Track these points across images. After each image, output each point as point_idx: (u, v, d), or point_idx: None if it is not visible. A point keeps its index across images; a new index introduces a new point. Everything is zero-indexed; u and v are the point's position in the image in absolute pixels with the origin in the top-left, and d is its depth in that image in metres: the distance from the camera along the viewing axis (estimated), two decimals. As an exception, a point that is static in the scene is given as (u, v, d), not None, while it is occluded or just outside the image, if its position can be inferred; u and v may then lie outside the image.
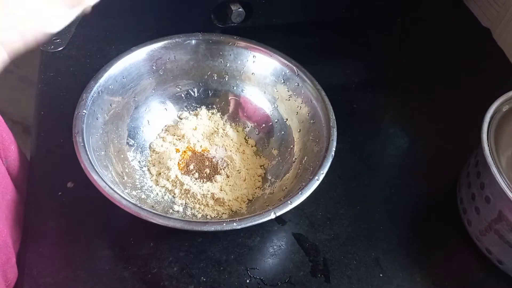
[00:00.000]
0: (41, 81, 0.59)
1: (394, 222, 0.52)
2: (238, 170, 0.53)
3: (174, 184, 0.50)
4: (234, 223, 0.40)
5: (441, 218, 0.54)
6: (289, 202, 0.42)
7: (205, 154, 0.54)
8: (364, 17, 0.75)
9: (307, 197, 0.43)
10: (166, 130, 0.56)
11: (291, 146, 0.54)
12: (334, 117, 0.50)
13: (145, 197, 0.49)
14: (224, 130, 0.56)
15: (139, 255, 0.46)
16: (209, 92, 0.58)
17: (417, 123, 0.64)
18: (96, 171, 0.42)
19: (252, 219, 0.41)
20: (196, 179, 0.51)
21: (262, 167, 0.54)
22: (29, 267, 0.44)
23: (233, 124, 0.58)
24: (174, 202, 0.50)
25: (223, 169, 0.53)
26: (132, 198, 0.45)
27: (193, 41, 0.55)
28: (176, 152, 0.53)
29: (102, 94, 0.49)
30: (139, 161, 0.52)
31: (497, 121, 0.48)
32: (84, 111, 0.46)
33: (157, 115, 0.56)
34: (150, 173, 0.52)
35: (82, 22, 0.64)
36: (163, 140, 0.55)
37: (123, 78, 0.52)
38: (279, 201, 0.44)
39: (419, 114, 0.65)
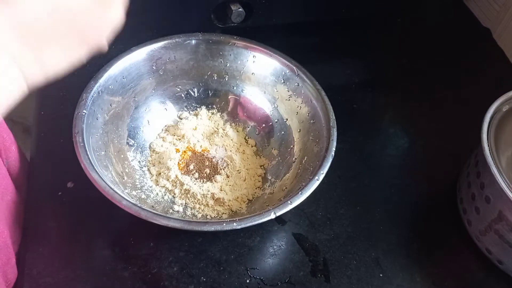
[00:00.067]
0: (41, 81, 0.59)
1: (394, 222, 0.52)
2: (238, 170, 0.53)
3: (174, 184, 0.50)
4: (234, 223, 0.40)
5: (441, 218, 0.54)
6: (289, 202, 0.42)
7: (205, 154, 0.54)
8: (364, 17, 0.75)
9: (307, 197, 0.43)
10: (166, 130, 0.56)
11: (291, 146, 0.54)
12: (334, 117, 0.50)
13: (145, 197, 0.49)
14: (224, 130, 0.56)
15: (139, 255, 0.46)
16: (209, 92, 0.58)
17: (417, 123, 0.64)
18: (96, 171, 0.42)
19: (252, 219, 0.41)
20: (196, 179, 0.52)
21: (262, 167, 0.54)
22: (29, 267, 0.44)
23: (233, 124, 0.58)
24: (174, 202, 0.50)
25: (223, 169, 0.53)
26: (132, 198, 0.45)
27: (193, 41, 0.55)
28: (176, 152, 0.53)
29: (102, 94, 0.49)
30: (139, 161, 0.52)
31: (497, 121, 0.48)
32: (84, 111, 0.46)
33: (157, 115, 0.56)
34: (150, 173, 0.52)
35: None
36: (163, 140, 0.55)
37: (123, 78, 0.52)
38: (279, 201, 0.44)
39: (419, 114, 0.65)
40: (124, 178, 0.48)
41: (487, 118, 0.48)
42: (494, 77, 0.71)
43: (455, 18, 0.80)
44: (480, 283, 0.49)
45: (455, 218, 0.52)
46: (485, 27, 0.78)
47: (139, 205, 0.41)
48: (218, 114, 0.58)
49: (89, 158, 0.43)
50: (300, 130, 0.54)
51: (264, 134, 0.57)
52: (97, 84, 0.49)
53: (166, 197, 0.50)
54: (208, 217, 0.49)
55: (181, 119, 0.57)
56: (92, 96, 0.48)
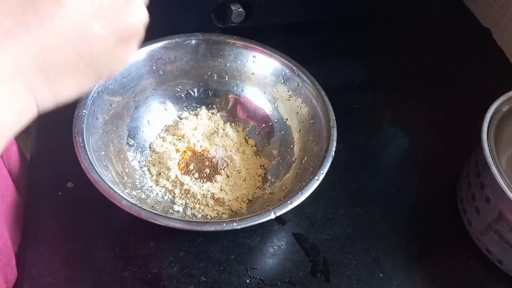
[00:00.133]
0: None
1: (394, 222, 0.52)
2: (238, 170, 0.53)
3: (174, 184, 0.50)
4: (234, 223, 0.40)
5: (441, 218, 0.54)
6: (289, 202, 0.42)
7: (205, 154, 0.54)
8: (364, 17, 0.75)
9: (307, 197, 0.43)
10: (166, 130, 0.56)
11: (291, 146, 0.54)
12: (334, 117, 0.50)
13: (145, 197, 0.49)
14: (224, 130, 0.56)
15: (139, 255, 0.46)
16: (209, 92, 0.58)
17: (417, 123, 0.64)
18: (96, 171, 0.42)
19: (252, 219, 0.41)
20: (196, 179, 0.51)
21: (262, 167, 0.54)
22: (29, 267, 0.44)
23: (233, 124, 0.58)
24: (174, 202, 0.50)
25: (223, 169, 0.53)
26: (132, 198, 0.45)
27: (193, 41, 0.55)
28: (176, 152, 0.53)
29: (102, 94, 0.49)
30: (139, 161, 0.52)
31: (497, 121, 0.48)
32: (84, 111, 0.46)
33: (157, 115, 0.56)
34: (150, 173, 0.52)
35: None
36: (163, 140, 0.55)
37: (123, 78, 0.52)
38: (279, 201, 0.44)
39: (419, 114, 0.65)
40: (124, 178, 0.48)
41: (487, 118, 0.48)
42: (494, 77, 0.71)
43: (455, 18, 0.80)
44: (480, 283, 0.49)
45: (455, 218, 0.52)
46: (485, 27, 0.78)
47: (139, 205, 0.41)
48: (218, 114, 0.58)
49: (89, 158, 0.43)
50: (300, 130, 0.54)
51: (264, 134, 0.57)
52: (97, 84, 0.49)
53: (166, 197, 0.50)
54: (208, 217, 0.49)
55: (181, 119, 0.57)
56: (92, 96, 0.48)
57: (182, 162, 0.53)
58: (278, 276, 0.46)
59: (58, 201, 0.49)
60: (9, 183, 0.45)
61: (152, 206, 0.48)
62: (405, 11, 0.77)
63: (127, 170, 0.50)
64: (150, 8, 0.28)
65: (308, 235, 0.50)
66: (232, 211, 0.50)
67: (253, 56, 0.56)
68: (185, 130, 0.55)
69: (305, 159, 0.50)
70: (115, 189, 0.41)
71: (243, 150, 0.55)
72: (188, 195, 0.50)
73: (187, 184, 0.50)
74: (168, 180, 0.51)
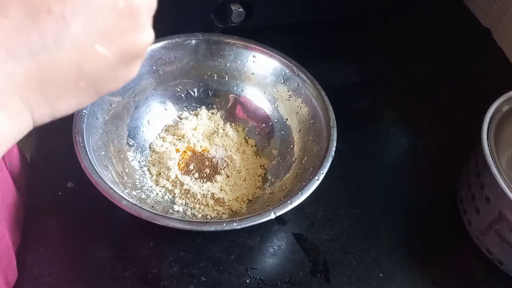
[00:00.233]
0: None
1: (394, 222, 0.52)
2: (238, 170, 0.53)
3: (174, 184, 0.50)
4: (234, 223, 0.40)
5: (441, 218, 0.54)
6: (289, 202, 0.42)
7: (205, 154, 0.54)
8: (364, 17, 0.75)
9: (307, 197, 0.43)
10: (166, 130, 0.56)
11: (291, 146, 0.54)
12: (334, 117, 0.50)
13: (145, 197, 0.49)
14: (224, 130, 0.56)
15: (139, 255, 0.46)
16: (209, 92, 0.58)
17: (417, 123, 0.64)
18: (96, 171, 0.42)
19: (252, 219, 0.41)
20: (196, 179, 0.51)
21: (262, 167, 0.54)
22: (29, 267, 0.44)
23: (233, 124, 0.58)
24: (174, 202, 0.50)
25: (223, 169, 0.53)
26: (132, 198, 0.45)
27: (193, 41, 0.55)
28: (176, 152, 0.53)
29: (102, 94, 0.49)
30: (139, 161, 0.52)
31: (497, 121, 0.48)
32: (84, 111, 0.46)
33: (157, 115, 0.56)
34: (150, 173, 0.52)
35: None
36: (163, 140, 0.55)
37: (123, 78, 0.52)
38: (279, 201, 0.44)
39: (419, 114, 0.65)
40: (124, 178, 0.48)
41: (487, 118, 0.48)
42: (494, 77, 0.71)
43: (455, 18, 0.80)
44: (480, 283, 0.49)
45: (455, 218, 0.52)
46: (485, 27, 0.78)
47: (139, 205, 0.41)
48: (218, 114, 0.58)
49: (89, 158, 0.43)
50: (300, 130, 0.54)
51: (264, 134, 0.57)
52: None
53: (166, 197, 0.50)
54: (208, 217, 0.49)
55: (181, 119, 0.57)
56: (92, 96, 0.48)
57: (182, 162, 0.53)
58: (278, 276, 0.46)
59: (58, 201, 0.49)
60: (10, 184, 0.45)
61: (152, 206, 0.48)
62: (405, 11, 0.77)
63: (127, 170, 0.50)
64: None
65: (308, 235, 0.50)
66: (232, 211, 0.50)
67: (253, 56, 0.56)
68: (185, 130, 0.55)
69: (305, 159, 0.50)
70: (115, 189, 0.41)
71: (243, 150, 0.55)
72: (188, 195, 0.50)
73: (187, 184, 0.50)
74: (168, 180, 0.51)
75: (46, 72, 0.23)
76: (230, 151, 0.54)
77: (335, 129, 0.49)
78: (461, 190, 0.52)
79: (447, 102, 0.67)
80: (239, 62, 0.56)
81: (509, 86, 0.52)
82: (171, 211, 0.49)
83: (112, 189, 0.41)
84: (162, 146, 0.54)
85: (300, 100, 0.54)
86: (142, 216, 0.40)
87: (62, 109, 0.25)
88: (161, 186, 0.51)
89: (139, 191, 0.49)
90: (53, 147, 0.53)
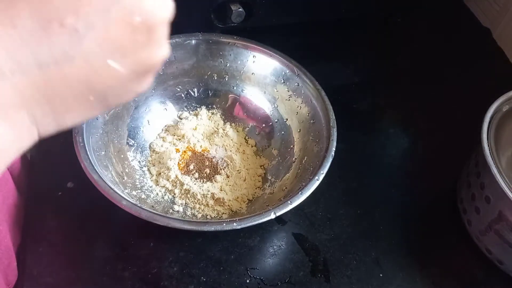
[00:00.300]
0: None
1: (394, 222, 0.52)
2: (238, 170, 0.53)
3: (174, 184, 0.50)
4: (234, 223, 0.40)
5: (441, 218, 0.54)
6: (289, 202, 0.42)
7: (205, 154, 0.54)
8: (364, 17, 0.75)
9: (307, 197, 0.43)
10: (166, 130, 0.56)
11: (291, 146, 0.54)
12: (334, 117, 0.50)
13: (145, 197, 0.49)
14: (224, 130, 0.56)
15: (139, 255, 0.46)
16: (209, 92, 0.58)
17: (417, 123, 0.64)
18: (96, 171, 0.42)
19: (252, 219, 0.41)
20: (196, 179, 0.51)
21: (262, 167, 0.54)
22: (29, 267, 0.44)
23: (233, 124, 0.58)
24: (174, 202, 0.50)
25: (223, 169, 0.53)
26: (132, 198, 0.45)
27: (193, 41, 0.55)
28: (176, 152, 0.53)
29: (102, 94, 0.49)
30: (139, 161, 0.52)
31: (497, 121, 0.48)
32: (84, 111, 0.46)
33: (157, 115, 0.56)
34: (150, 173, 0.52)
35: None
36: (163, 140, 0.55)
37: (123, 78, 0.52)
38: (279, 201, 0.44)
39: (419, 114, 0.65)
40: (124, 178, 0.48)
41: (487, 118, 0.48)
42: (494, 77, 0.71)
43: (455, 18, 0.80)
44: (480, 283, 0.49)
45: (455, 218, 0.52)
46: (485, 27, 0.78)
47: (139, 205, 0.41)
48: (218, 114, 0.58)
49: (89, 158, 0.43)
50: (300, 130, 0.54)
51: (264, 134, 0.57)
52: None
53: (166, 197, 0.50)
54: (208, 217, 0.49)
55: (181, 119, 0.57)
56: (92, 96, 0.48)
57: (182, 162, 0.53)
58: (278, 276, 0.46)
59: (58, 201, 0.49)
60: (11, 184, 0.45)
61: (152, 206, 0.48)
62: (405, 11, 0.77)
63: (127, 170, 0.50)
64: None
65: (308, 235, 0.50)
66: (232, 211, 0.50)
67: (253, 56, 0.56)
68: (185, 130, 0.55)
69: (305, 159, 0.50)
70: (115, 189, 0.41)
71: (243, 150, 0.55)
72: (188, 195, 0.50)
73: (187, 184, 0.50)
74: (168, 180, 0.51)
75: (54, 86, 0.22)
76: (230, 151, 0.54)
77: (335, 129, 0.49)
78: (461, 190, 0.52)
79: (447, 102, 0.67)
80: (239, 62, 0.56)
81: (509, 86, 0.52)
82: (171, 211, 0.49)
83: (112, 189, 0.41)
84: (162, 146, 0.54)
85: (300, 100, 0.54)
86: (142, 216, 0.40)
87: (69, 121, 0.24)
88: (161, 186, 0.51)
89: (139, 191, 0.49)
90: (53, 147, 0.53)
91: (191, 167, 0.52)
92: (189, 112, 0.58)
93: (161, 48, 0.25)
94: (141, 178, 0.51)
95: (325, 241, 0.50)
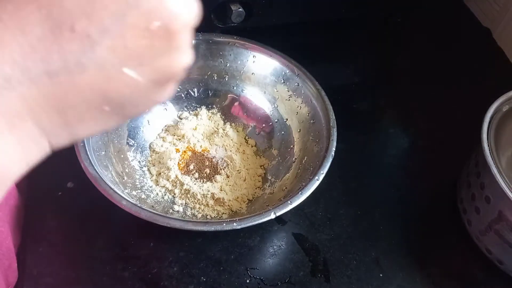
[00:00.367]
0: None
1: (394, 222, 0.52)
2: (238, 170, 0.53)
3: (174, 184, 0.50)
4: (234, 223, 0.40)
5: (441, 218, 0.54)
6: (289, 202, 0.42)
7: (205, 154, 0.54)
8: (364, 17, 0.75)
9: (307, 197, 0.43)
10: (166, 130, 0.56)
11: (291, 146, 0.54)
12: (334, 117, 0.50)
13: (145, 197, 0.49)
14: (224, 130, 0.56)
15: (139, 255, 0.46)
16: (209, 92, 0.58)
17: (417, 123, 0.64)
18: (96, 171, 0.42)
19: (252, 219, 0.41)
20: (196, 179, 0.51)
21: (262, 167, 0.54)
22: (29, 267, 0.44)
23: (233, 124, 0.58)
24: (174, 202, 0.50)
25: (223, 169, 0.53)
26: (132, 198, 0.45)
27: (193, 41, 0.55)
28: (176, 152, 0.53)
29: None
30: (139, 161, 0.52)
31: (497, 121, 0.48)
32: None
33: (157, 115, 0.56)
34: (150, 173, 0.52)
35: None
36: (163, 140, 0.55)
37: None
38: (279, 201, 0.44)
39: (419, 114, 0.65)
40: (124, 178, 0.48)
41: (487, 118, 0.48)
42: (494, 77, 0.71)
43: (455, 18, 0.80)
44: (480, 283, 0.49)
45: (455, 218, 0.52)
46: (485, 27, 0.78)
47: (139, 205, 0.41)
48: (218, 114, 0.58)
49: (89, 158, 0.43)
50: (300, 130, 0.54)
51: (264, 134, 0.57)
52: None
53: (166, 197, 0.50)
54: (208, 217, 0.49)
55: (181, 119, 0.57)
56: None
57: (182, 162, 0.53)
58: (278, 276, 0.46)
59: (58, 201, 0.49)
60: (12, 186, 0.45)
61: (152, 206, 0.48)
62: (405, 11, 0.77)
63: (127, 170, 0.50)
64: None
65: (308, 235, 0.50)
66: (232, 211, 0.50)
67: (253, 56, 0.56)
68: (185, 130, 0.55)
69: (305, 159, 0.50)
70: (115, 189, 0.41)
71: (243, 150, 0.55)
72: (188, 195, 0.50)
73: (187, 184, 0.50)
74: (168, 180, 0.51)
75: (65, 96, 0.20)
76: (230, 151, 0.54)
77: (335, 129, 0.49)
78: (461, 190, 0.52)
79: (447, 102, 0.67)
80: (239, 62, 0.56)
81: (509, 86, 0.52)
82: (171, 211, 0.49)
83: (112, 189, 0.41)
84: (162, 146, 0.54)
85: (300, 100, 0.54)
86: (142, 216, 0.40)
87: (83, 132, 0.23)
88: (161, 186, 0.51)
89: (139, 191, 0.49)
90: (53, 147, 0.53)
91: (191, 167, 0.52)
92: (189, 112, 0.58)
93: (182, 55, 0.23)
94: (141, 178, 0.51)
95: (325, 241, 0.50)
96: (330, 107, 0.51)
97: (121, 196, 0.41)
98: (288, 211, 0.42)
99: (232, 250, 0.48)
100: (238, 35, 0.56)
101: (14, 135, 0.20)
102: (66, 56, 0.19)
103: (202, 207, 0.49)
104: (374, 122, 0.64)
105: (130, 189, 0.47)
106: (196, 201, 0.49)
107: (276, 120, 0.56)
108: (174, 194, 0.50)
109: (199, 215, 0.49)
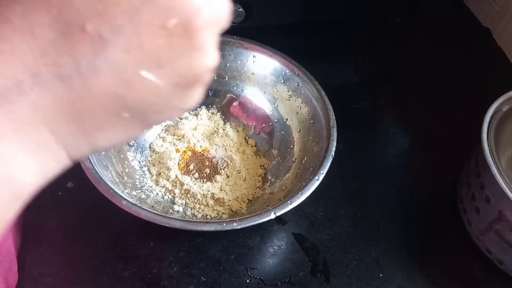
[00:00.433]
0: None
1: (394, 222, 0.52)
2: (238, 170, 0.53)
3: (174, 184, 0.50)
4: (234, 223, 0.40)
5: (441, 218, 0.54)
6: (289, 202, 0.42)
7: (205, 154, 0.54)
8: (364, 17, 0.75)
9: (307, 197, 0.43)
10: (166, 130, 0.56)
11: (291, 146, 0.54)
12: (334, 117, 0.50)
13: (145, 197, 0.49)
14: (224, 130, 0.56)
15: (139, 255, 0.46)
16: (209, 92, 0.58)
17: (417, 123, 0.64)
18: (96, 171, 0.42)
19: (252, 219, 0.41)
20: (196, 179, 0.51)
21: (262, 167, 0.54)
22: (29, 267, 0.44)
23: (233, 124, 0.58)
24: (174, 202, 0.50)
25: (223, 169, 0.53)
26: (132, 198, 0.45)
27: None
28: (176, 152, 0.53)
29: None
30: (139, 161, 0.52)
31: (497, 121, 0.48)
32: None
33: (157, 115, 0.56)
34: (150, 173, 0.52)
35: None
36: (163, 140, 0.55)
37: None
38: (279, 201, 0.44)
39: (419, 114, 0.65)
40: (124, 178, 0.48)
41: (487, 118, 0.48)
42: (494, 77, 0.71)
43: (455, 18, 0.80)
44: (480, 283, 0.49)
45: (455, 218, 0.52)
46: (485, 27, 0.78)
47: (139, 205, 0.41)
48: (218, 114, 0.58)
49: (89, 158, 0.43)
50: (300, 130, 0.54)
51: (264, 134, 0.57)
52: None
53: (166, 197, 0.50)
54: (208, 217, 0.49)
55: (181, 119, 0.57)
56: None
57: (182, 162, 0.53)
58: (278, 276, 0.46)
59: (58, 201, 0.49)
60: None
61: (152, 206, 0.48)
62: (405, 11, 0.77)
63: (127, 170, 0.50)
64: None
65: (308, 235, 0.50)
66: (232, 211, 0.50)
67: (253, 56, 0.56)
68: (185, 130, 0.55)
69: (305, 159, 0.50)
70: (115, 189, 0.41)
71: (243, 150, 0.55)
72: (188, 195, 0.50)
73: (187, 184, 0.50)
74: (168, 180, 0.51)
75: (80, 101, 0.19)
76: (230, 151, 0.54)
77: (335, 129, 0.49)
78: (461, 190, 0.52)
79: (447, 102, 0.67)
80: (239, 62, 0.56)
81: (509, 86, 0.52)
82: (171, 211, 0.49)
83: (112, 189, 0.41)
84: (162, 146, 0.54)
85: (300, 100, 0.54)
86: (142, 216, 0.40)
87: (103, 142, 0.21)
88: (161, 186, 0.51)
89: (139, 191, 0.49)
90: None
91: (191, 167, 0.52)
92: (189, 112, 0.58)
93: (205, 56, 0.21)
94: (141, 178, 0.51)
95: (325, 241, 0.50)
96: (330, 107, 0.51)
97: (121, 196, 0.41)
98: (288, 211, 0.42)
99: (232, 250, 0.48)
100: (238, 35, 0.56)
101: (28, 144, 0.19)
102: (78, 58, 0.18)
103: (202, 207, 0.49)
104: (374, 122, 0.64)
105: (130, 189, 0.47)
106: (196, 201, 0.49)
107: (276, 120, 0.56)
108: (174, 194, 0.50)
109: (199, 215, 0.49)
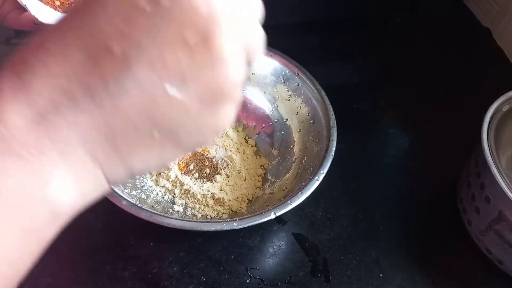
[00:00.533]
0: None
1: (394, 222, 0.52)
2: (238, 170, 0.53)
3: (174, 184, 0.50)
4: (234, 223, 0.40)
5: (441, 218, 0.54)
6: (289, 202, 0.42)
7: (205, 154, 0.54)
8: (364, 17, 0.75)
9: (307, 197, 0.43)
10: (166, 130, 0.56)
11: (291, 146, 0.54)
12: (334, 117, 0.50)
13: (145, 197, 0.49)
14: (224, 130, 0.56)
15: (139, 255, 0.46)
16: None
17: (417, 123, 0.64)
18: (96, 171, 0.42)
19: (252, 219, 0.41)
20: (196, 179, 0.52)
21: (262, 167, 0.54)
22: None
23: (233, 124, 0.58)
24: (174, 202, 0.50)
25: (223, 169, 0.53)
26: (132, 198, 0.45)
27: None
28: (176, 152, 0.53)
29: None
30: (139, 161, 0.52)
31: (497, 121, 0.48)
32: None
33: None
34: (150, 173, 0.52)
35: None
36: (163, 140, 0.55)
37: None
38: (279, 201, 0.44)
39: (419, 114, 0.65)
40: (124, 178, 0.48)
41: (487, 118, 0.48)
42: (494, 77, 0.71)
43: (455, 18, 0.80)
44: (480, 283, 0.49)
45: (455, 218, 0.52)
46: (485, 27, 0.78)
47: (139, 205, 0.41)
48: (218, 114, 0.58)
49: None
50: (300, 130, 0.54)
51: (264, 134, 0.57)
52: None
53: (166, 197, 0.50)
54: (208, 217, 0.49)
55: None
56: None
57: (182, 162, 0.53)
58: (278, 276, 0.46)
59: (58, 201, 0.49)
60: None
61: (152, 206, 0.48)
62: (405, 11, 0.77)
63: (127, 170, 0.50)
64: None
65: (308, 235, 0.50)
66: (232, 211, 0.50)
67: (253, 56, 0.56)
68: (185, 130, 0.55)
69: (305, 159, 0.50)
70: (115, 189, 0.41)
71: (243, 150, 0.55)
72: (188, 195, 0.50)
73: (187, 184, 0.50)
74: (168, 180, 0.51)
75: (112, 121, 0.19)
76: (230, 151, 0.54)
77: (335, 129, 0.49)
78: (461, 190, 0.52)
79: (447, 102, 0.67)
80: (239, 62, 0.56)
81: (509, 86, 0.52)
82: (171, 211, 0.49)
83: (112, 189, 0.41)
84: (162, 146, 0.54)
85: (300, 100, 0.54)
86: (142, 216, 0.40)
87: (139, 165, 0.21)
88: (161, 186, 0.51)
89: (139, 191, 0.49)
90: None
91: (191, 167, 0.52)
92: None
93: (228, 68, 0.20)
94: (141, 178, 0.51)
95: (325, 241, 0.50)
96: (330, 107, 0.51)
97: (121, 196, 0.41)
98: (288, 211, 0.42)
99: (232, 250, 0.48)
100: (238, 35, 0.56)
101: (66, 164, 0.19)
102: (107, 78, 0.19)
103: (202, 207, 0.49)
104: (374, 122, 0.64)
105: (130, 189, 0.47)
106: (196, 201, 0.49)
107: (276, 120, 0.56)
108: (174, 194, 0.50)
109: (199, 215, 0.49)
